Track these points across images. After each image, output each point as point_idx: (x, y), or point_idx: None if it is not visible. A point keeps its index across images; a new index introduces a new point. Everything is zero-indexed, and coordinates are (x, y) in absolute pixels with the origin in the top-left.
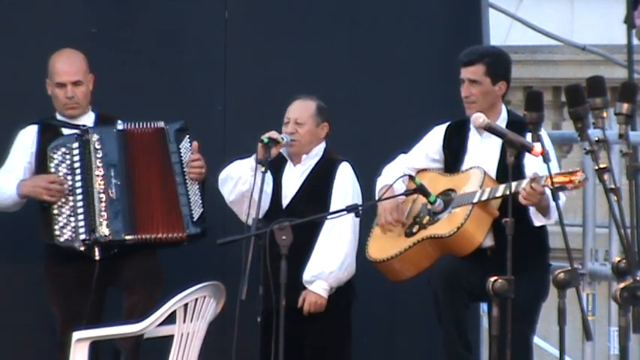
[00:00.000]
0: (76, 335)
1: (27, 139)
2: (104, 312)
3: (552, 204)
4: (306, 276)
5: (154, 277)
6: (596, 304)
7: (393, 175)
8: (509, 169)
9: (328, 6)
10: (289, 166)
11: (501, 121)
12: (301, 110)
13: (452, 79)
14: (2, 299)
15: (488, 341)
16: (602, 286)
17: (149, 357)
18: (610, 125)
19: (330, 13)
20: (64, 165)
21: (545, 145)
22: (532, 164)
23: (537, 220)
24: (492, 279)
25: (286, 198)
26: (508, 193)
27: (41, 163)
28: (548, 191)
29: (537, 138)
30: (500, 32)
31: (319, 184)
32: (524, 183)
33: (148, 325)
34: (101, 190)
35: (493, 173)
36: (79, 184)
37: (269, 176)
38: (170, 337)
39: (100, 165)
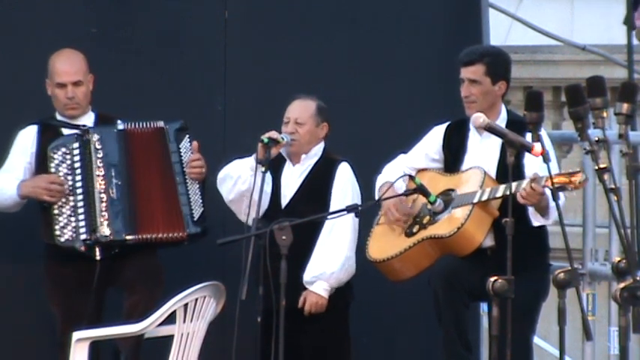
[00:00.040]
0: (76, 335)
1: (27, 139)
2: (104, 312)
3: (552, 205)
4: (307, 276)
5: (155, 276)
6: (596, 304)
7: (393, 173)
8: (509, 169)
9: (328, 6)
10: (288, 165)
11: (501, 121)
12: (301, 110)
13: (452, 79)
14: (2, 299)
15: (489, 341)
16: (602, 286)
17: (149, 357)
18: (610, 125)
19: (330, 13)
20: (64, 165)
21: (545, 145)
22: (532, 164)
23: (536, 220)
24: (492, 279)
25: (285, 198)
26: (508, 193)
27: (41, 164)
28: (547, 192)
29: (537, 138)
30: (500, 32)
31: (319, 184)
32: (525, 183)
33: (148, 325)
34: (102, 190)
35: (493, 173)
36: (79, 184)
37: (268, 176)
38: (170, 337)
39: (101, 165)
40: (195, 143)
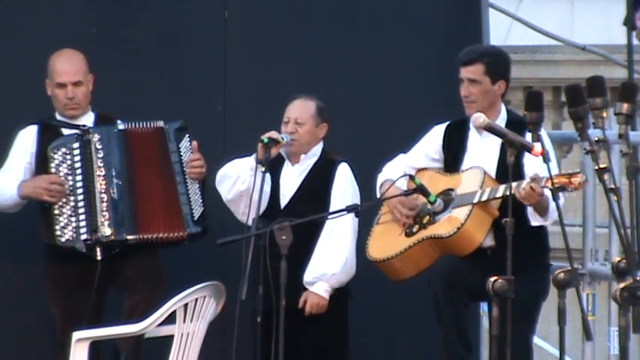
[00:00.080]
0: (76, 335)
1: (27, 139)
2: (104, 312)
3: (551, 206)
4: (308, 277)
5: (156, 276)
6: (596, 304)
7: (393, 172)
8: (509, 169)
9: (328, 6)
10: (287, 165)
11: (501, 121)
12: (301, 110)
13: (452, 79)
14: (2, 299)
15: (489, 341)
16: (602, 286)
17: (149, 357)
18: (610, 125)
19: (330, 13)
20: (64, 165)
21: (545, 145)
22: (532, 164)
23: (534, 221)
24: (492, 279)
25: (284, 197)
26: (508, 193)
27: (41, 164)
28: (547, 192)
29: (537, 138)
30: (500, 32)
31: (318, 184)
32: (525, 183)
33: (148, 325)
34: (102, 190)
35: (493, 173)
36: (79, 184)
37: (267, 176)
38: (170, 337)
39: (102, 165)
40: (194, 143)
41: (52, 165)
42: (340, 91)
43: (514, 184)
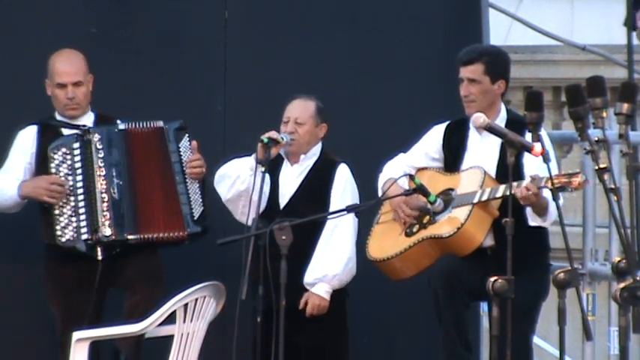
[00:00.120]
0: (76, 335)
1: (27, 139)
2: (104, 312)
3: (550, 206)
4: (309, 278)
5: (156, 276)
6: (596, 304)
7: (394, 171)
8: (509, 169)
9: (328, 6)
10: (286, 165)
11: (500, 120)
12: (301, 110)
13: (452, 79)
14: (2, 299)
15: (489, 341)
16: (602, 286)
17: (149, 357)
18: (610, 125)
19: (330, 13)
20: (64, 165)
21: (545, 145)
22: (531, 164)
23: (533, 221)
24: (492, 279)
25: (283, 197)
26: (508, 193)
27: (41, 164)
28: (545, 194)
29: (537, 138)
30: (500, 32)
31: (318, 184)
32: (525, 184)
33: (148, 325)
34: (103, 190)
35: (493, 172)
36: (80, 184)
37: (267, 176)
38: (170, 337)
39: (102, 165)
40: (194, 143)
41: (52, 165)
42: (340, 91)
43: (514, 184)
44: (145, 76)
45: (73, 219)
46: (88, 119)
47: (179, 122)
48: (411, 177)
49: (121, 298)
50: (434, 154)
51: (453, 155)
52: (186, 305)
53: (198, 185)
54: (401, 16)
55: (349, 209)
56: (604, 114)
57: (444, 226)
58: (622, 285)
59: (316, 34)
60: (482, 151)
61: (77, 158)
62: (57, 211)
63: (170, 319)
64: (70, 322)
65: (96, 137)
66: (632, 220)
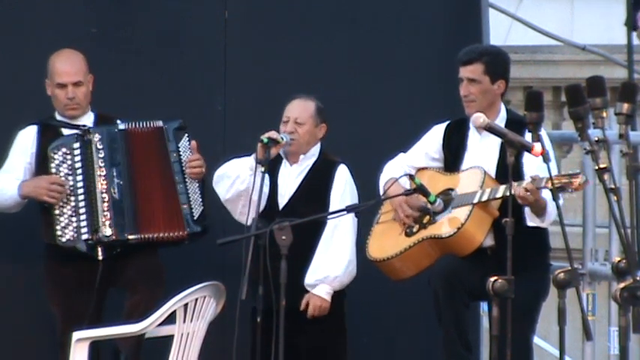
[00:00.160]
0: (76, 335)
1: (27, 139)
2: (104, 312)
3: (549, 207)
4: (310, 279)
5: (157, 276)
6: (596, 304)
7: (394, 171)
8: (509, 169)
9: (328, 6)
10: (285, 165)
11: (500, 120)
12: (301, 110)
13: (452, 79)
14: (2, 299)
15: (489, 341)
16: (602, 286)
17: (149, 357)
18: (610, 125)
19: (330, 13)
20: (64, 165)
21: (545, 145)
22: (531, 164)
23: (531, 221)
24: (492, 279)
25: (282, 197)
26: (508, 193)
27: (41, 164)
28: (544, 194)
29: (537, 138)
30: (500, 32)
31: (317, 184)
32: (524, 184)
33: (148, 325)
34: (103, 190)
35: (492, 173)
36: (80, 184)
37: (266, 176)
38: (170, 337)
39: (102, 165)
40: (194, 143)
41: (53, 165)
42: (340, 91)
43: (515, 185)
44: (145, 76)
45: (74, 219)
46: (88, 119)
47: (178, 122)
48: (411, 177)
49: (121, 298)
50: (434, 154)
51: (452, 155)
52: (186, 305)
53: (197, 185)
54: (401, 16)
55: (349, 209)
56: (604, 114)
57: (444, 226)
58: (622, 285)
59: (316, 34)
60: (482, 151)
61: (77, 158)
62: (57, 211)
63: (170, 319)
64: (70, 322)
65: (96, 137)
66: (632, 220)
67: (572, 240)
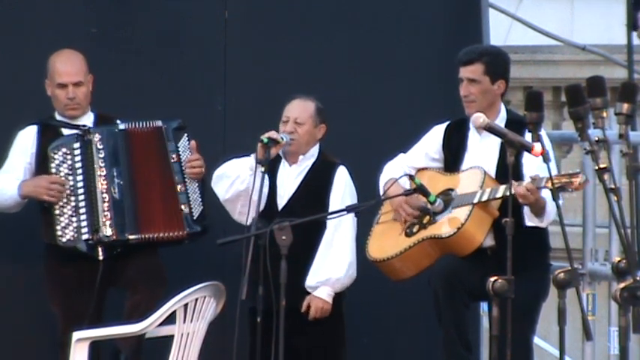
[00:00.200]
0: (76, 335)
1: (27, 139)
2: (104, 312)
3: (548, 207)
4: (312, 282)
5: (157, 276)
6: (596, 304)
7: (394, 172)
8: (509, 169)
9: (328, 6)
10: (284, 165)
11: (500, 120)
12: (301, 110)
13: (452, 79)
14: (2, 299)
15: (489, 341)
16: (602, 286)
17: (149, 357)
18: (610, 125)
19: (330, 13)
20: (65, 165)
21: (544, 145)
22: (531, 164)
23: (530, 221)
24: (492, 279)
25: (282, 198)
26: (508, 193)
27: (41, 164)
28: (544, 194)
29: (537, 138)
30: (500, 32)
31: (317, 186)
32: (524, 184)
33: (148, 326)
34: (104, 190)
35: (492, 172)
36: (80, 184)
37: (266, 176)
38: (170, 337)
39: (103, 165)
40: (193, 143)
41: (53, 165)
42: (340, 91)
43: (515, 185)
44: (145, 76)
45: (74, 219)
46: (87, 119)
47: (178, 122)
48: (411, 177)
49: (121, 298)
50: (434, 154)
51: (452, 155)
52: (186, 305)
53: (197, 185)
54: (401, 16)
55: (349, 209)
56: (604, 114)
57: (444, 226)
58: (622, 285)
59: (316, 34)
60: (482, 151)
61: (77, 158)
62: (57, 211)
63: (170, 319)
64: (70, 322)
65: (96, 137)
66: (632, 220)
67: (572, 240)
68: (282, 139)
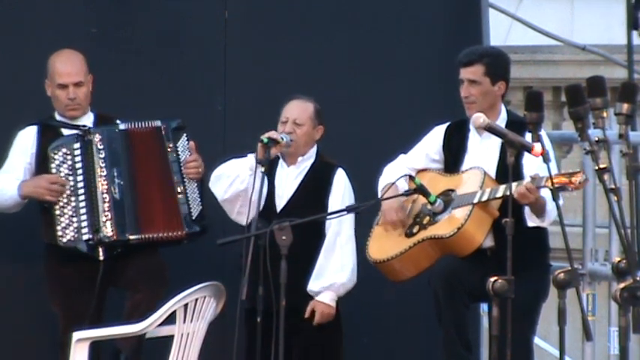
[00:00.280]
0: (76, 335)
1: (27, 139)
2: (104, 312)
3: (548, 207)
4: (316, 287)
5: (158, 276)
6: (596, 304)
7: (393, 174)
8: (509, 169)
9: (328, 6)
10: (282, 166)
11: (501, 121)
12: (300, 111)
13: (452, 80)
14: (2, 299)
15: (489, 341)
16: (602, 286)
17: (149, 357)
18: (610, 125)
19: (330, 13)
20: (65, 165)
21: (545, 145)
22: (531, 164)
23: (531, 221)
24: (492, 279)
25: (280, 199)
26: (508, 193)
27: (41, 164)
28: (544, 194)
29: (537, 138)
30: (500, 32)
31: (316, 188)
32: (524, 183)
33: (148, 326)
34: (104, 191)
35: (493, 173)
36: (81, 184)
37: (265, 176)
38: (170, 337)
39: (103, 165)
40: (192, 143)
41: (53, 165)
42: (340, 91)
43: (514, 185)
44: (145, 76)
45: (74, 219)
46: (87, 119)
47: (177, 121)
48: (411, 177)
49: (121, 298)
50: (434, 155)
51: (453, 156)
52: (186, 305)
53: (196, 185)
54: (401, 16)
55: (349, 209)
56: (604, 114)
57: (444, 227)
58: (622, 285)
59: (316, 34)
60: (483, 152)
61: (78, 158)
62: (58, 212)
63: (170, 319)
64: (70, 322)
65: (97, 137)
66: (632, 220)
67: (572, 240)
68: (282, 139)
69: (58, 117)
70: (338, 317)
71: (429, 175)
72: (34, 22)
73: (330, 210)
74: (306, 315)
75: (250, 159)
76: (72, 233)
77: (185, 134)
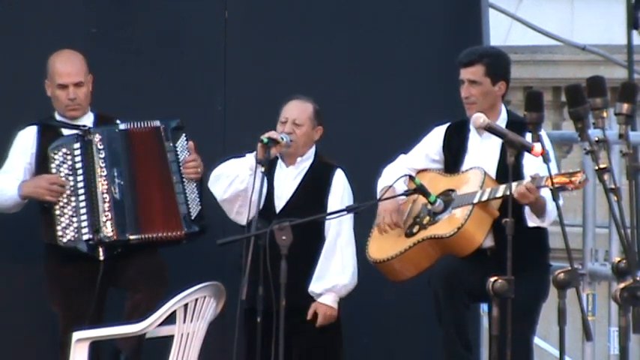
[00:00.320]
0: (76, 335)
1: (27, 140)
2: (104, 312)
3: (548, 207)
4: (317, 289)
5: (158, 276)
6: (596, 304)
7: (393, 175)
8: (510, 169)
9: (328, 6)
10: (281, 166)
11: (501, 121)
12: (299, 111)
13: (452, 80)
14: (2, 299)
15: (489, 341)
16: (602, 286)
17: (149, 357)
18: (610, 125)
19: (330, 13)
20: (65, 166)
21: (545, 146)
22: (531, 164)
23: (531, 221)
24: (492, 279)
25: (280, 199)
26: (508, 193)
27: (41, 164)
28: (544, 194)
29: (537, 138)
30: (500, 32)
31: (315, 188)
32: (524, 182)
33: (148, 326)
34: (104, 190)
35: (493, 173)
36: (81, 184)
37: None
38: (170, 337)
39: (103, 165)
40: (191, 143)
41: (53, 165)
42: (340, 91)
43: (514, 184)
44: (145, 76)
45: (74, 219)
46: (87, 119)
47: (176, 121)
48: (411, 177)
49: (121, 298)
50: (434, 155)
51: (453, 157)
52: (186, 305)
53: (195, 185)
54: (401, 16)
55: (349, 209)
56: (604, 114)
57: (444, 226)
58: (622, 285)
59: (316, 34)
60: (483, 152)
61: (78, 159)
62: (58, 212)
63: (170, 319)
64: (70, 322)
65: (97, 137)
66: (632, 220)
67: (572, 240)
68: (282, 139)
69: (58, 117)
70: (338, 318)
71: (429, 175)
72: (34, 22)
73: (329, 210)
74: (309, 317)
75: (249, 159)
76: (72, 233)
77: (184, 134)
